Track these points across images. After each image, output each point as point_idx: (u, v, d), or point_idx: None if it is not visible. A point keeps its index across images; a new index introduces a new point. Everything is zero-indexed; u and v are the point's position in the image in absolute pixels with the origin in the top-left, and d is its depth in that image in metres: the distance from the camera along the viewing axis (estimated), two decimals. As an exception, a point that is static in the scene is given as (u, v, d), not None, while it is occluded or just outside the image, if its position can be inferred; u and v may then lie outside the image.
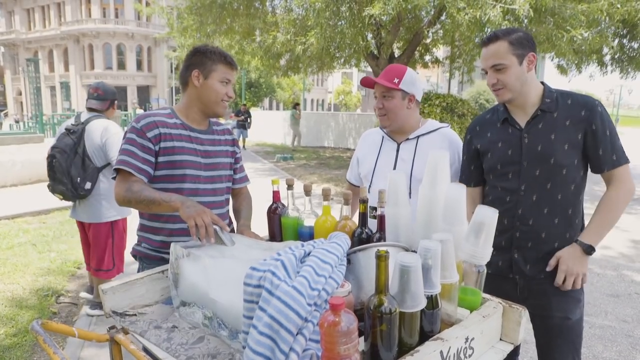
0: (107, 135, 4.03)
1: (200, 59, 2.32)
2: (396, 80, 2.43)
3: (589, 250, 2.16)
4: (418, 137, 2.55)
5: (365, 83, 2.55)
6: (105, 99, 4.23)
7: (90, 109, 4.26)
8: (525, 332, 2.33)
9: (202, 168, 2.36)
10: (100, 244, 4.32)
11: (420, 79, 2.60)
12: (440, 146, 2.50)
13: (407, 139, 2.56)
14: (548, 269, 2.21)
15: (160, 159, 2.27)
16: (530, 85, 2.21)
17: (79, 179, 4.05)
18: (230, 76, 2.36)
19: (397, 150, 2.57)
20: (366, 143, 2.79)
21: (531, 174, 2.20)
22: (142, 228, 2.41)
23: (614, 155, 2.15)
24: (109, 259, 4.34)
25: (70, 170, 4.02)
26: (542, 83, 2.27)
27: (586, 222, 2.26)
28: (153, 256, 2.35)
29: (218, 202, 2.45)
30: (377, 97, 2.52)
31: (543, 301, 2.26)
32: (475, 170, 2.46)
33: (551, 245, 2.22)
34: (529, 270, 2.25)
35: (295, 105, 22.19)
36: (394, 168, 2.54)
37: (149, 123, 2.26)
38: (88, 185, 4.09)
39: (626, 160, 2.18)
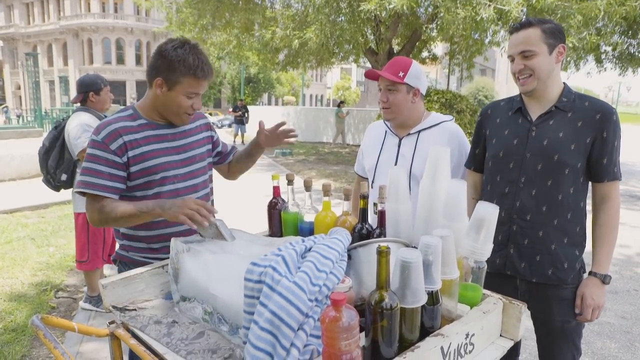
0: (70, 130, 4.08)
1: (165, 66, 2.04)
2: (401, 74, 2.42)
3: (607, 280, 2.16)
4: (419, 132, 2.54)
5: (370, 75, 2.54)
6: (79, 92, 4.23)
7: (74, 103, 4.37)
8: (525, 329, 2.36)
9: (179, 165, 2.21)
10: (77, 234, 4.43)
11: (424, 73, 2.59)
12: (439, 141, 2.48)
13: (409, 134, 2.56)
14: (577, 310, 2.20)
15: (133, 168, 2.09)
16: (554, 79, 2.16)
17: (56, 170, 4.25)
18: (198, 89, 2.11)
19: (399, 146, 2.57)
20: (371, 136, 2.78)
21: (533, 167, 2.17)
22: (121, 236, 2.29)
23: (613, 168, 2.13)
24: (84, 250, 4.39)
25: (47, 162, 4.26)
26: (564, 83, 2.22)
27: (587, 231, 2.23)
28: (141, 262, 2.21)
29: (200, 198, 2.30)
30: (381, 89, 2.51)
31: (544, 306, 2.25)
32: (479, 155, 2.44)
33: (548, 246, 2.19)
34: (522, 269, 2.23)
35: (340, 104, 21.94)
36: (395, 164, 2.53)
37: (110, 133, 2.04)
38: (64, 176, 4.26)
39: (620, 177, 2.17)
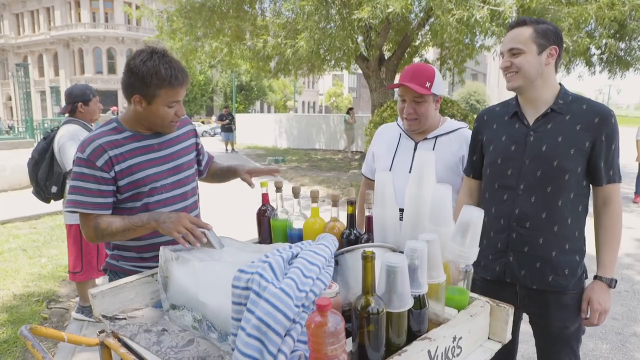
0: (61, 141, 4.06)
1: (138, 83, 1.99)
2: (428, 85, 2.39)
3: (613, 284, 2.14)
4: (436, 137, 2.54)
5: (393, 87, 2.56)
6: (67, 103, 4.22)
7: (63, 113, 4.36)
8: (521, 332, 2.35)
9: (167, 175, 2.20)
10: (70, 246, 4.39)
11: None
12: (457, 147, 2.50)
13: (425, 139, 2.55)
14: (583, 315, 2.18)
15: (121, 182, 2.08)
16: (546, 81, 2.13)
17: (46, 182, 4.22)
18: (177, 97, 2.06)
19: (415, 150, 2.57)
20: (383, 138, 2.76)
21: (532, 173, 2.14)
22: (111, 246, 2.29)
23: (611, 171, 2.11)
24: (77, 261, 4.36)
25: (37, 174, 4.22)
26: (560, 84, 2.19)
27: (586, 235, 2.21)
28: (131, 271, 2.20)
29: (189, 206, 2.32)
30: (405, 100, 2.48)
31: (544, 311, 2.23)
32: (476, 162, 2.42)
33: (548, 253, 2.15)
34: (522, 276, 2.20)
35: (349, 110, 21.67)
36: (411, 168, 2.49)
37: (95, 150, 2.02)
38: (54, 188, 4.24)
39: (620, 179, 2.15)
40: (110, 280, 2.24)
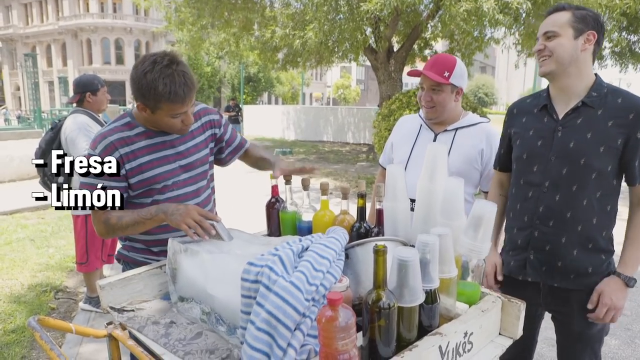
0: (69, 133, 4.04)
1: (139, 93, 1.91)
2: (447, 74, 2.39)
3: (631, 283, 2.02)
4: (456, 129, 2.53)
5: (413, 74, 2.54)
6: (76, 92, 4.21)
7: (71, 103, 4.35)
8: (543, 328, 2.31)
9: (179, 172, 2.15)
10: (76, 237, 4.40)
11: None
12: (477, 141, 2.48)
13: (445, 130, 2.54)
14: (589, 306, 2.06)
15: (132, 180, 2.06)
16: (581, 69, 2.01)
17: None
18: (180, 110, 1.95)
19: (434, 141, 2.54)
20: (403, 129, 2.75)
21: (558, 171, 2.04)
22: (123, 237, 2.26)
23: None
24: (83, 252, 4.37)
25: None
26: (596, 75, 2.06)
27: (615, 238, 2.11)
28: (141, 262, 2.20)
29: (202, 202, 2.27)
30: (424, 88, 2.48)
31: (566, 309, 2.16)
32: (504, 155, 2.34)
33: (570, 252, 2.06)
34: (544, 273, 2.12)
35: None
36: None
37: (106, 147, 2.00)
38: (60, 180, 4.18)
39: None
40: (124, 270, 2.24)
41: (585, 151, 1.98)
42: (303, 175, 2.22)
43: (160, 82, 1.85)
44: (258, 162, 2.53)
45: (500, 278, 2.30)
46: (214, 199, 2.45)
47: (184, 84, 1.89)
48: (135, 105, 2.05)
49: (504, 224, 2.37)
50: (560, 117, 2.07)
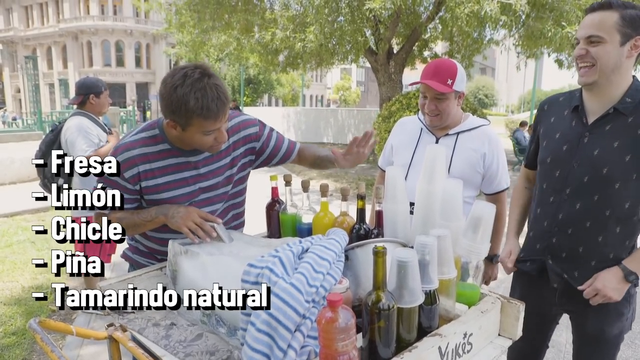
0: (67, 134, 4.04)
1: (169, 110, 1.79)
2: (450, 82, 2.36)
3: (631, 278, 1.94)
4: (458, 133, 2.51)
5: (415, 84, 2.52)
6: (79, 94, 4.20)
7: (73, 104, 4.35)
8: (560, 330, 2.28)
9: (198, 194, 2.05)
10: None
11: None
12: (479, 145, 2.47)
13: (447, 135, 2.52)
14: (582, 287, 2.00)
15: (146, 197, 1.99)
16: (622, 75, 1.88)
17: (53, 175, 4.17)
18: (214, 127, 1.82)
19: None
20: (403, 132, 2.72)
21: (579, 179, 1.96)
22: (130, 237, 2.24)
23: None
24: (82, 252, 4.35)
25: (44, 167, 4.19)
26: (634, 78, 1.93)
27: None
28: (145, 265, 2.17)
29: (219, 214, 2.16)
30: (427, 96, 2.44)
31: (580, 309, 2.10)
32: (532, 153, 2.29)
33: (588, 262, 2.00)
34: (559, 275, 2.08)
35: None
36: None
37: (127, 160, 1.91)
38: (60, 181, 4.18)
39: None
40: (130, 270, 2.24)
41: (609, 160, 1.89)
42: (365, 142, 2.10)
43: (192, 96, 1.73)
44: (316, 162, 2.39)
45: (510, 265, 2.28)
46: (243, 210, 2.39)
47: (217, 98, 1.77)
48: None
49: (527, 216, 2.37)
50: (590, 122, 1.98)
